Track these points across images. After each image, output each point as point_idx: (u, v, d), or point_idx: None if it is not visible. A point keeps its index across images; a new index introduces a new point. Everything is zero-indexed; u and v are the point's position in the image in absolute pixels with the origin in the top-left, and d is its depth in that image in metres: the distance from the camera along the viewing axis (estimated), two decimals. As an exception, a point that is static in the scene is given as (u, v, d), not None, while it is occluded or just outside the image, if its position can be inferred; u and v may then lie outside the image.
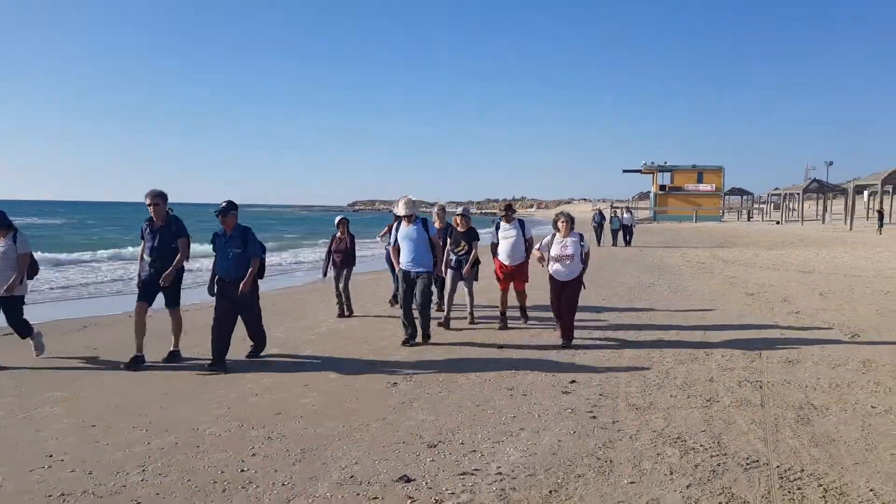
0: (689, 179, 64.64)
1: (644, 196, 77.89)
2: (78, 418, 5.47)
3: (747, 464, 4.42)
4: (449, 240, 9.49)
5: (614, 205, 57.50)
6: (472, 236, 9.48)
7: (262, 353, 7.57)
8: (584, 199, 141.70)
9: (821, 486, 4.07)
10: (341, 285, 10.48)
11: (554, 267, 8.18)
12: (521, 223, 9.39)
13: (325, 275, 10.73)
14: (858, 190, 45.08)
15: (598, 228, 29.28)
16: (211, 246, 7.32)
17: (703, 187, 64.30)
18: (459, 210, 9.90)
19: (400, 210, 8.21)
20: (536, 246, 8.55)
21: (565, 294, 8.13)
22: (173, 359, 7.41)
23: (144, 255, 7.34)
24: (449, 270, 9.28)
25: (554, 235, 8.30)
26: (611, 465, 4.44)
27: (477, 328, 9.31)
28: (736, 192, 71.41)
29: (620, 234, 28.81)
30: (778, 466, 4.37)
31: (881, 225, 35.38)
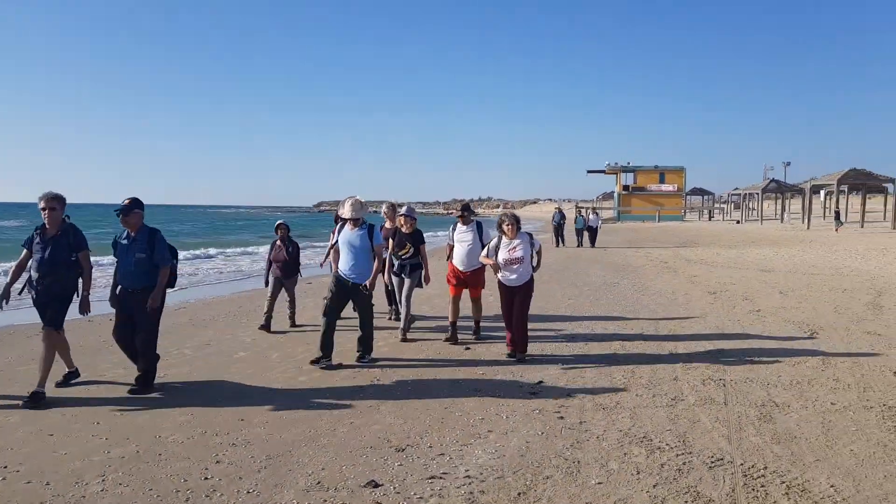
0: (652, 180, 65.45)
1: (608, 196, 78.78)
2: (34, 427, 5.30)
3: (712, 462, 4.47)
4: (391, 242, 8.74)
5: (579, 205, 58.00)
6: (417, 238, 8.67)
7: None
8: (550, 200, 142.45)
9: (783, 483, 4.14)
10: (287, 296, 9.64)
11: (502, 273, 7.57)
12: (479, 226, 8.65)
13: (267, 283, 9.70)
14: (815, 190, 46.08)
15: (559, 228, 29.18)
16: (112, 251, 6.47)
17: (665, 187, 65.14)
18: (403, 210, 8.83)
19: (346, 212, 7.40)
20: (483, 253, 7.93)
21: (516, 301, 7.53)
22: (68, 381, 6.50)
23: (31, 270, 6.13)
24: (395, 278, 8.78)
25: (500, 238, 7.66)
26: (578, 465, 4.46)
27: (440, 338, 9.22)
28: (697, 192, 72.52)
29: (585, 234, 28.80)
30: (742, 464, 4.43)
31: (838, 224, 36.24)
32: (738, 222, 55.62)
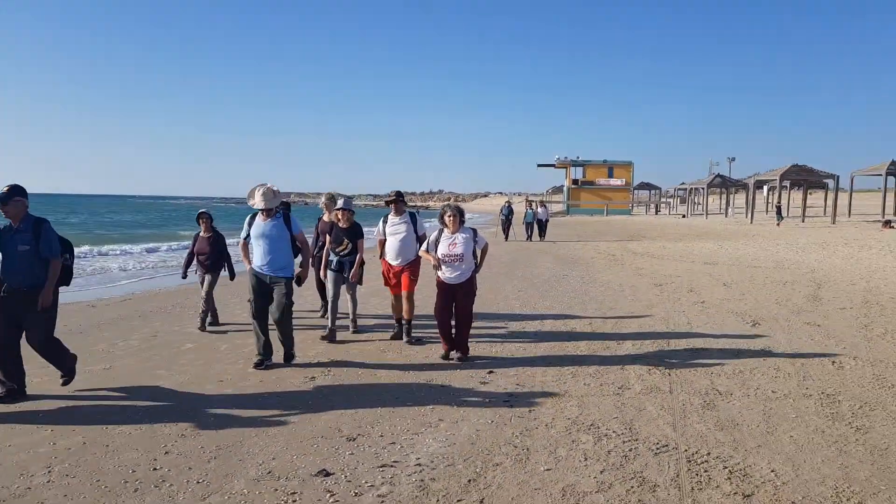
0: (601, 174, 66.34)
1: (558, 190, 79.38)
2: (-27, 420, 5.15)
3: (657, 448, 4.59)
4: (329, 237, 8.27)
5: (529, 198, 58.44)
6: (356, 233, 8.17)
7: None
8: (501, 193, 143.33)
9: (726, 468, 4.28)
10: (203, 292, 8.86)
11: (441, 269, 7.11)
12: (413, 216, 8.16)
13: (184, 276, 9.26)
14: (759, 185, 47.42)
15: (506, 222, 29.13)
16: None
17: (613, 181, 66.11)
18: (340, 203, 8.27)
19: (256, 202, 6.78)
20: (423, 247, 7.47)
21: (457, 301, 7.07)
22: None
23: None
24: (330, 273, 8.18)
25: (441, 231, 7.17)
26: (528, 452, 4.53)
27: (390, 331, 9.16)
28: (644, 186, 73.81)
29: (535, 227, 28.80)
30: (686, 450, 4.56)
31: (780, 218, 37.38)
32: (683, 216, 56.84)
